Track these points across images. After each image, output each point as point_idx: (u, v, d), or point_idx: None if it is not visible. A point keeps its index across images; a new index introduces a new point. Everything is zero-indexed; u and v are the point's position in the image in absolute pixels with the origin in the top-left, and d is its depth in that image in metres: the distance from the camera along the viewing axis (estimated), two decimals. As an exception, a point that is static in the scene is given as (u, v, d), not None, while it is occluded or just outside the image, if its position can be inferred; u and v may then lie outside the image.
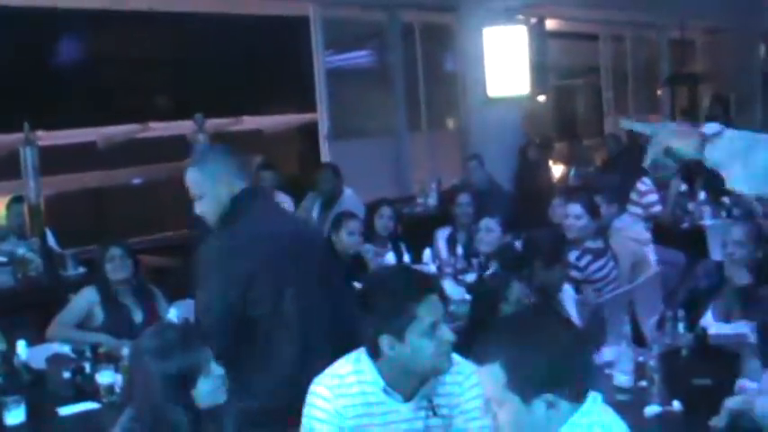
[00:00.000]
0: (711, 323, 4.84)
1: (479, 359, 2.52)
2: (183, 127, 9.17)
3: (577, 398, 2.46)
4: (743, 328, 4.71)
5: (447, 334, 3.05)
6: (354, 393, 3.15)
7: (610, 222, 7.14)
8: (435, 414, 3.16)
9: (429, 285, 3.13)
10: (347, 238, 6.57)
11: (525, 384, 2.42)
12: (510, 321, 2.98)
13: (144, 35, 9.98)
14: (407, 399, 3.15)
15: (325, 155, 10.60)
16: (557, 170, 12.82)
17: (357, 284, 5.53)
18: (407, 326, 3.00)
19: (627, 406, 4.13)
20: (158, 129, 9.81)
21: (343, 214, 6.91)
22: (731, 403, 3.70)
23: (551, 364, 2.43)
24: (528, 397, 2.42)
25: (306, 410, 3.18)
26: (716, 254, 7.42)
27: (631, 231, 7.24)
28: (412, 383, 3.14)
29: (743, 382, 4.18)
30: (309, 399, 3.17)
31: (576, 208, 6.55)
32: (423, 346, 3.02)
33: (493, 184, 10.03)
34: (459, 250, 7.20)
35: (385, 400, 3.15)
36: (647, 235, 7.50)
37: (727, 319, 4.90)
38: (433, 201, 10.79)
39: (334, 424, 3.13)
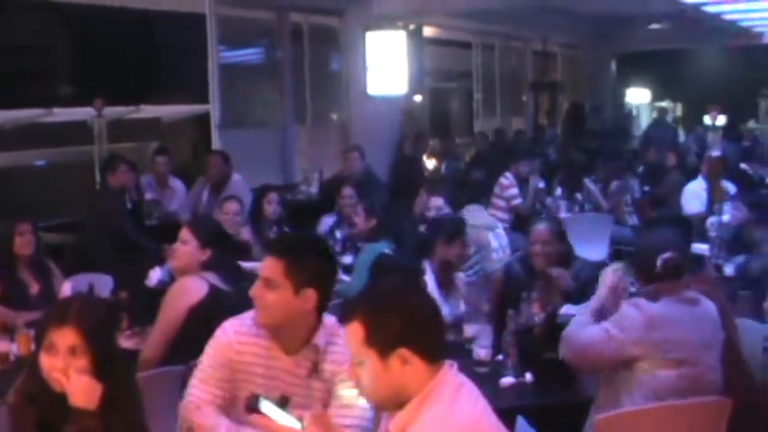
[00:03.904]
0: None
1: (343, 319, 2.54)
2: (84, 113, 8.98)
3: (431, 358, 2.48)
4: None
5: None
6: (248, 332, 3.23)
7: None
8: (317, 376, 3.17)
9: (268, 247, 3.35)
10: (224, 218, 6.53)
11: (381, 338, 2.45)
12: (373, 285, 3.02)
13: (47, 25, 9.73)
14: (290, 352, 3.19)
15: (217, 143, 10.48)
16: (430, 164, 12.93)
17: (243, 264, 5.52)
18: None
19: (485, 377, 4.22)
20: (61, 114, 9.58)
21: (224, 198, 6.88)
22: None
23: (406, 321, 2.46)
24: (384, 351, 2.44)
25: None
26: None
27: (472, 218, 7.31)
28: (295, 338, 3.18)
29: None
30: None
31: (437, 200, 6.68)
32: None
33: (370, 174, 10.07)
34: (339, 235, 7.21)
35: (274, 347, 3.20)
36: (488, 220, 7.52)
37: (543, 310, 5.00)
38: (315, 189, 10.77)
39: (217, 349, 3.26)
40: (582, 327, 3.85)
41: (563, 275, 5.00)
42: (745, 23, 17.15)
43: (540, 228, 5.22)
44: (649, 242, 4.01)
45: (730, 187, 8.76)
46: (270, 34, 11.67)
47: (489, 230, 7.29)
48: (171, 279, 4.89)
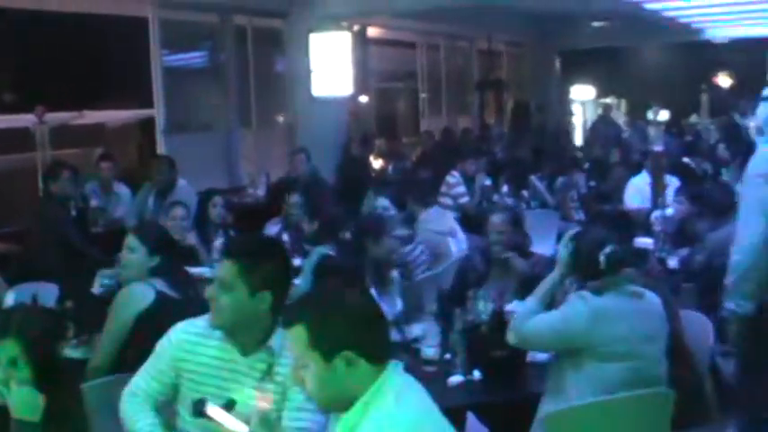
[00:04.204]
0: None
1: (286, 323, 2.55)
2: (26, 120, 8.87)
3: (376, 359, 2.50)
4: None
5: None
6: (201, 333, 3.25)
7: (415, 212, 7.29)
8: (272, 379, 3.17)
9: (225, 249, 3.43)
10: (169, 223, 6.49)
11: (325, 342, 2.46)
12: (315, 288, 3.03)
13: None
14: (245, 354, 3.20)
15: (162, 148, 10.42)
16: (377, 165, 12.95)
17: (190, 270, 5.49)
18: None
19: (433, 376, 4.24)
20: (2, 121, 9.46)
21: (170, 203, 6.85)
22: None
23: (349, 323, 2.48)
24: (329, 354, 2.45)
25: None
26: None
27: (434, 224, 7.36)
28: (250, 340, 3.19)
29: (534, 353, 4.35)
30: None
31: (382, 201, 6.74)
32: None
33: (317, 176, 10.07)
34: (286, 238, 7.19)
35: (228, 348, 3.21)
36: (452, 225, 7.61)
37: (499, 299, 5.05)
38: (261, 192, 10.74)
39: (166, 348, 3.28)
40: (529, 315, 3.88)
41: (519, 260, 5.09)
42: (684, 20, 17.38)
43: (498, 217, 5.37)
44: (590, 238, 4.05)
45: (674, 181, 8.88)
46: (213, 37, 11.63)
47: (451, 236, 7.34)
48: (118, 286, 4.85)
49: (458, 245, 7.34)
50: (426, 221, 7.30)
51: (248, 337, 3.21)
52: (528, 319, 3.88)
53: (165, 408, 3.37)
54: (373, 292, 5.06)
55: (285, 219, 7.59)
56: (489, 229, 5.31)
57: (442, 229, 7.35)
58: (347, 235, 5.82)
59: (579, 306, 3.83)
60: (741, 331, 4.20)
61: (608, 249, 3.87)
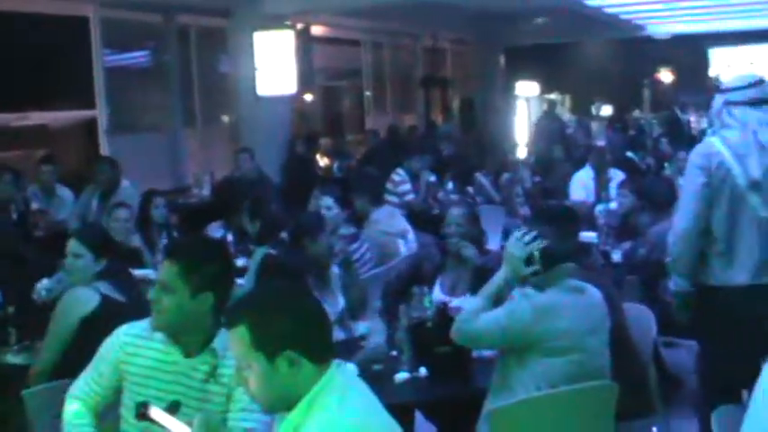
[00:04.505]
0: (440, 296, 5.01)
1: (228, 324, 2.55)
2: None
3: (319, 358, 2.49)
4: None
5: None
6: (144, 336, 3.23)
7: (366, 212, 7.28)
8: (216, 380, 3.16)
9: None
10: (112, 225, 6.44)
11: (268, 342, 2.45)
12: (257, 288, 3.03)
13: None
14: (188, 356, 3.19)
15: (105, 149, 10.32)
16: (322, 163, 12.95)
17: (134, 272, 5.45)
18: None
19: (379, 374, 4.25)
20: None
21: (113, 205, 6.79)
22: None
23: (292, 323, 2.47)
24: (271, 354, 2.44)
25: None
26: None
27: (384, 224, 7.35)
28: (192, 342, 3.18)
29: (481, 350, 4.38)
30: None
31: (327, 200, 6.73)
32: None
33: (262, 175, 10.04)
34: (230, 238, 7.15)
35: (170, 350, 3.20)
36: (403, 226, 7.61)
37: (453, 291, 5.10)
38: (206, 192, 10.68)
39: (108, 350, 3.27)
40: (475, 314, 3.90)
41: (471, 248, 5.13)
42: (625, 16, 17.59)
43: (457, 210, 5.39)
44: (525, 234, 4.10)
45: (619, 174, 9.00)
46: (156, 37, 11.54)
47: (401, 238, 7.34)
48: (61, 291, 4.81)
49: (407, 245, 7.34)
50: (377, 222, 7.28)
51: (190, 338, 3.20)
52: (473, 318, 3.89)
53: (110, 412, 3.34)
54: (315, 291, 5.07)
55: (227, 220, 7.55)
56: (447, 221, 5.33)
57: (392, 231, 7.35)
58: (286, 234, 5.80)
59: (522, 303, 3.86)
60: (680, 306, 4.50)
61: (542, 245, 3.90)
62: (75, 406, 3.29)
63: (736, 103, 4.22)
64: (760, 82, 4.28)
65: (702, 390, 4.63)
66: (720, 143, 4.21)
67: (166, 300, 3.14)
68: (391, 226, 7.38)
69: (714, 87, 20.37)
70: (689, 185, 4.29)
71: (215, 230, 7.56)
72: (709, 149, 4.25)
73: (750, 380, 2.73)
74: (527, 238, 3.96)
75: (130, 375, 3.22)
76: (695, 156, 4.31)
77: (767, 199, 4.12)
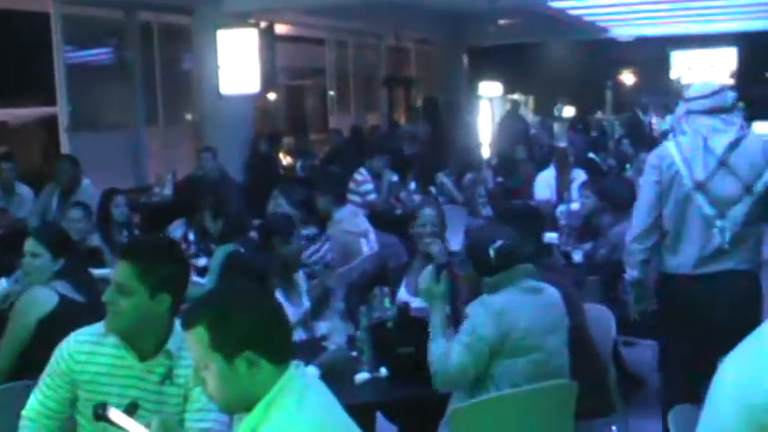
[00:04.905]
0: (405, 297, 5.03)
1: (186, 324, 2.53)
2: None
3: (278, 359, 2.49)
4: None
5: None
6: (96, 342, 3.17)
7: (329, 211, 7.27)
8: (172, 382, 3.14)
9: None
10: (69, 225, 6.38)
11: (227, 342, 2.44)
12: (216, 289, 3.01)
13: None
14: (142, 359, 3.15)
15: (66, 147, 10.23)
16: (285, 162, 12.93)
17: (94, 271, 5.41)
18: None
19: (341, 374, 4.24)
20: None
21: (71, 204, 6.73)
22: (433, 325, 3.99)
23: (250, 323, 2.46)
24: (230, 355, 2.43)
25: None
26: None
27: (347, 224, 7.35)
28: (147, 344, 3.14)
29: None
30: None
31: (281, 200, 6.74)
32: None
33: (224, 174, 10.01)
34: (192, 238, 7.12)
35: (124, 354, 3.15)
36: (365, 226, 7.62)
37: (418, 292, 5.11)
38: (168, 191, 10.62)
39: (58, 362, 3.19)
40: (443, 357, 3.85)
41: (438, 245, 5.15)
42: (588, 18, 17.71)
43: (429, 210, 5.45)
44: (480, 234, 4.18)
45: (582, 175, 9.08)
46: (118, 34, 11.45)
47: (363, 237, 7.34)
48: (18, 290, 4.77)
49: (369, 245, 7.35)
50: (340, 221, 7.28)
51: (146, 341, 3.15)
52: (442, 362, 3.86)
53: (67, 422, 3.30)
54: (281, 292, 5.06)
55: (188, 219, 7.52)
56: (421, 222, 5.34)
57: (355, 230, 7.35)
58: (254, 233, 5.78)
59: (480, 313, 3.88)
60: (636, 298, 4.84)
61: (497, 243, 3.93)
62: (26, 425, 3.21)
63: (694, 112, 4.53)
64: (719, 91, 4.56)
65: (663, 382, 4.94)
66: (674, 147, 4.54)
67: (123, 302, 3.09)
68: (355, 225, 7.38)
69: (676, 90, 20.61)
70: (644, 184, 4.66)
71: (175, 229, 7.53)
72: (663, 152, 4.59)
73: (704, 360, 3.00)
74: (483, 236, 3.99)
75: (84, 383, 3.16)
76: (651, 157, 4.69)
77: (711, 199, 4.43)
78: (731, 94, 4.60)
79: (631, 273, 4.74)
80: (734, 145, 4.43)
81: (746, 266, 4.52)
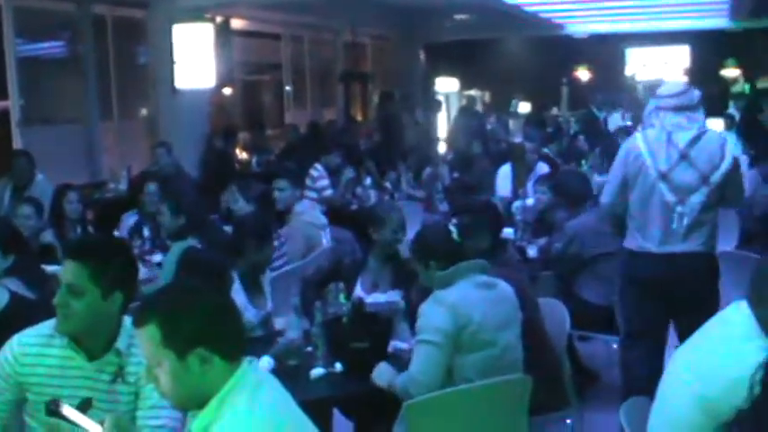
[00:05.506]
0: (361, 293, 5.03)
1: (138, 322, 2.51)
2: None
3: (230, 356, 2.48)
4: (394, 296, 4.93)
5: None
6: (43, 344, 3.11)
7: (290, 205, 7.24)
8: (123, 380, 3.10)
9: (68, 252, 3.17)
10: (19, 221, 6.29)
11: (179, 339, 2.43)
12: (167, 287, 2.98)
13: None
14: (91, 358, 3.10)
15: (18, 142, 10.10)
16: (241, 157, 12.86)
17: (47, 268, 5.36)
18: None
19: (295, 369, 4.24)
20: None
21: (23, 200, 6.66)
22: (377, 379, 3.94)
23: (202, 320, 2.45)
24: (182, 352, 2.42)
25: None
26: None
27: (309, 216, 7.34)
28: (97, 344, 3.10)
29: (395, 344, 4.40)
30: None
31: (237, 196, 6.72)
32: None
33: (179, 170, 9.94)
34: (146, 233, 7.07)
35: (73, 355, 3.10)
36: (324, 220, 7.63)
37: (373, 289, 5.11)
38: (123, 186, 10.54)
39: (4, 367, 3.12)
40: (406, 375, 3.89)
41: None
42: (544, 15, 17.81)
43: (397, 215, 5.41)
44: (431, 229, 4.33)
45: (544, 167, 9.16)
46: (71, 26, 11.32)
47: (322, 230, 7.33)
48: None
49: (326, 237, 7.35)
50: (302, 213, 7.26)
51: (96, 340, 3.11)
52: (407, 376, 3.88)
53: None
54: (245, 294, 5.01)
55: (141, 209, 7.47)
56: (388, 226, 5.31)
57: (317, 222, 7.34)
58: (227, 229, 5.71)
59: (435, 310, 3.89)
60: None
61: (457, 220, 3.96)
62: None
63: (663, 108, 4.97)
64: (686, 91, 5.01)
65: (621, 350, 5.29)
66: (641, 139, 5.00)
67: (76, 303, 3.03)
68: (316, 218, 7.38)
69: (631, 87, 20.81)
70: (612, 171, 5.18)
71: (128, 220, 7.47)
72: (632, 143, 5.08)
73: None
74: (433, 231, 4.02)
75: (33, 386, 3.11)
76: (622, 147, 5.20)
77: (672, 187, 4.86)
78: (697, 93, 5.02)
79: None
80: (695, 140, 4.86)
81: (704, 248, 4.95)
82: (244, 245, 5.19)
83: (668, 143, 4.86)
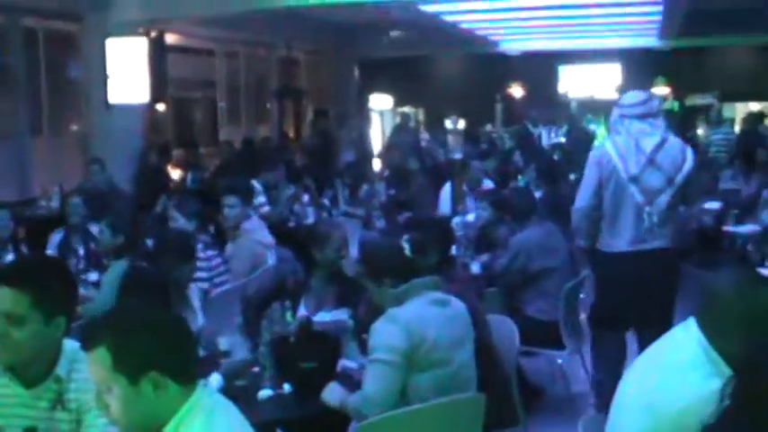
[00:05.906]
0: (304, 313, 4.93)
1: (87, 345, 2.39)
2: None
3: (184, 379, 2.38)
4: (340, 314, 4.83)
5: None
6: None
7: (238, 222, 7.08)
8: (63, 408, 2.94)
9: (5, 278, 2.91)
10: None
11: (130, 363, 2.32)
12: (117, 308, 2.85)
13: None
14: (29, 386, 2.93)
15: (-56, 157, 9.84)
16: (174, 174, 12.65)
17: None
18: None
19: (243, 391, 4.12)
20: None
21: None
22: (328, 398, 3.85)
23: (155, 343, 2.35)
24: (134, 376, 2.32)
25: None
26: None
27: (258, 234, 7.20)
28: (36, 372, 2.93)
29: (344, 363, 4.30)
30: None
31: (174, 213, 6.63)
32: None
33: (112, 186, 9.74)
34: (81, 252, 6.87)
35: (9, 383, 2.93)
36: (271, 239, 7.49)
37: (318, 309, 5.02)
38: (55, 203, 10.29)
39: None
40: (358, 395, 3.80)
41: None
42: (480, 32, 17.91)
43: (339, 233, 5.39)
44: (377, 247, 4.28)
45: (489, 183, 9.18)
46: (1, 39, 11.05)
47: (269, 249, 7.19)
48: None
49: (272, 258, 7.21)
50: (251, 231, 7.10)
51: (35, 369, 2.93)
52: (360, 396, 3.78)
53: None
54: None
55: (67, 227, 7.24)
56: (331, 245, 5.23)
57: (265, 241, 7.20)
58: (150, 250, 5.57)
59: (388, 328, 3.80)
60: (588, 258, 5.87)
61: (409, 236, 3.90)
62: None
63: (628, 116, 5.37)
64: (648, 100, 5.44)
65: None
66: (611, 145, 5.39)
67: (17, 333, 2.84)
68: (264, 237, 7.24)
69: (563, 104, 21.10)
70: (586, 176, 5.51)
71: (55, 236, 7.24)
72: (602, 149, 5.47)
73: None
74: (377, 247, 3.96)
75: None
76: (592, 154, 5.57)
77: (642, 189, 5.28)
78: (657, 102, 5.55)
79: (581, 242, 5.68)
80: (660, 145, 5.30)
81: (669, 244, 5.38)
82: (169, 261, 5.07)
83: (636, 149, 5.28)
